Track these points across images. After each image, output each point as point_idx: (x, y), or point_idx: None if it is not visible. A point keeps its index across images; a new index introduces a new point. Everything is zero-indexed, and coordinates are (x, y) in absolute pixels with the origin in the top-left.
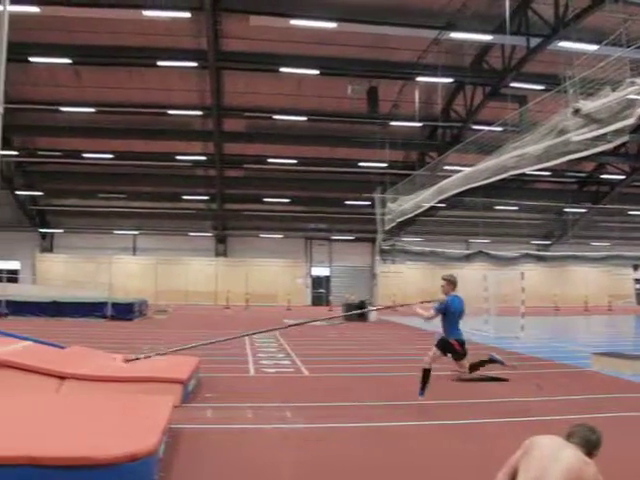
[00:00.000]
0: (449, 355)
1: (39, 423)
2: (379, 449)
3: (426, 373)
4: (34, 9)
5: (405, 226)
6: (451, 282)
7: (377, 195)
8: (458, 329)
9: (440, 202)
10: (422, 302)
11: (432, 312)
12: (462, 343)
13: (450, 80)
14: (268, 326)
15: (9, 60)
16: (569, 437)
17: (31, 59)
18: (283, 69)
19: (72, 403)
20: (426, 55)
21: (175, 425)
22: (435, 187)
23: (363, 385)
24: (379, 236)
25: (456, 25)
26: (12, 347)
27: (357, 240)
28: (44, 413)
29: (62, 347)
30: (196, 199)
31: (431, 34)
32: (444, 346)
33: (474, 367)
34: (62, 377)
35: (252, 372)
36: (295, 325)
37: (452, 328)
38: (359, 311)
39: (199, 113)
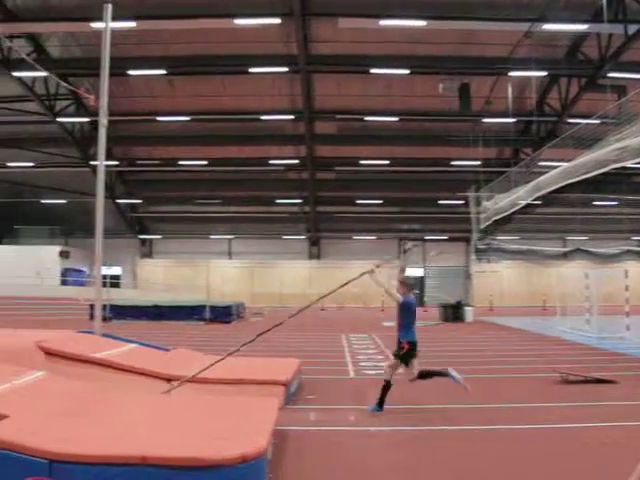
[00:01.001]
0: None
1: (149, 424)
2: (491, 452)
3: (387, 385)
4: (131, 24)
5: (501, 224)
6: (405, 284)
7: (471, 194)
8: (412, 330)
9: (536, 199)
10: (377, 266)
11: (397, 295)
12: (413, 345)
13: (544, 73)
14: (365, 327)
15: (109, 75)
16: None
17: (129, 72)
18: (373, 70)
19: (179, 404)
20: (518, 49)
21: (280, 427)
22: (531, 184)
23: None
24: (474, 235)
25: (548, 16)
26: (120, 350)
27: (451, 240)
28: (153, 414)
29: (166, 350)
30: (289, 202)
31: (522, 27)
32: (399, 351)
33: (424, 375)
34: (168, 379)
35: (352, 374)
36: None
37: (407, 328)
38: None
39: (291, 117)
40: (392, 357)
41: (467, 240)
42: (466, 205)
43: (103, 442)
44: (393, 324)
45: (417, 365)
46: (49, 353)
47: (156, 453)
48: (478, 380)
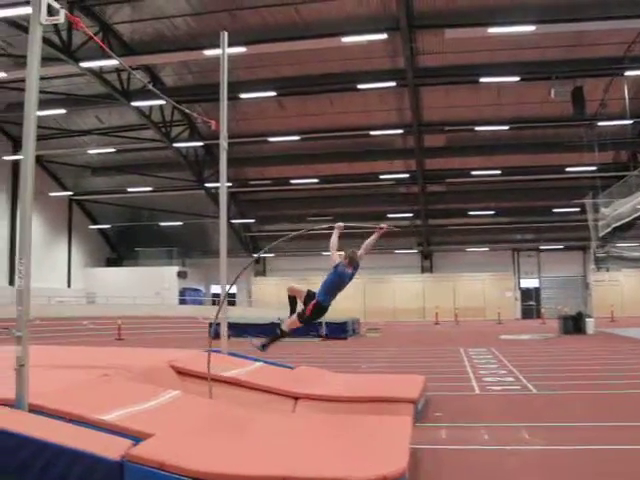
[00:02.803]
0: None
1: (286, 443)
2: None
3: (281, 334)
4: (241, 49)
5: (621, 231)
6: (350, 258)
7: (588, 200)
8: (329, 296)
9: None
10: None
11: (336, 256)
12: (320, 309)
13: None
14: (483, 341)
15: (216, 100)
16: None
17: (240, 96)
18: (482, 79)
19: (311, 423)
20: (634, 47)
21: (411, 445)
22: None
23: (599, 403)
24: (592, 243)
25: None
26: (247, 368)
27: (567, 249)
28: (288, 433)
29: (291, 367)
30: (400, 217)
31: (638, 24)
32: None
33: (284, 334)
34: (296, 397)
35: (477, 390)
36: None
37: (325, 291)
38: None
39: (400, 131)
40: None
41: (584, 249)
42: (582, 212)
43: (247, 461)
44: (512, 337)
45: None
46: (180, 372)
47: (301, 473)
48: (613, 396)
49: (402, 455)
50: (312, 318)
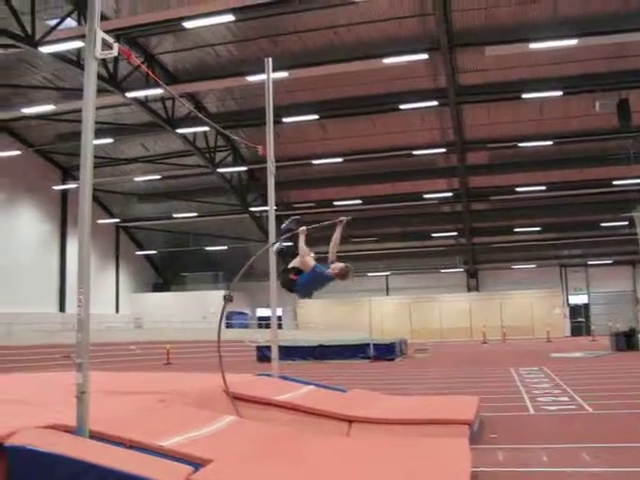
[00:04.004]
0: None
1: (341, 468)
2: None
3: None
4: (283, 74)
5: None
6: (342, 271)
7: (637, 213)
8: (304, 288)
9: None
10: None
11: (311, 259)
12: (290, 286)
13: None
14: (533, 359)
15: (265, 124)
16: None
17: (283, 120)
18: (525, 95)
19: (367, 447)
20: None
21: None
22: None
23: None
24: None
25: None
26: (299, 392)
27: (616, 263)
28: (342, 458)
29: (343, 390)
30: (445, 235)
31: None
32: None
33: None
34: (350, 420)
35: (531, 410)
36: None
37: (304, 283)
38: None
39: (442, 150)
40: None
41: (633, 263)
42: (631, 226)
43: None
44: (563, 355)
45: None
46: (233, 397)
47: None
48: None
49: (464, 479)
50: (286, 283)
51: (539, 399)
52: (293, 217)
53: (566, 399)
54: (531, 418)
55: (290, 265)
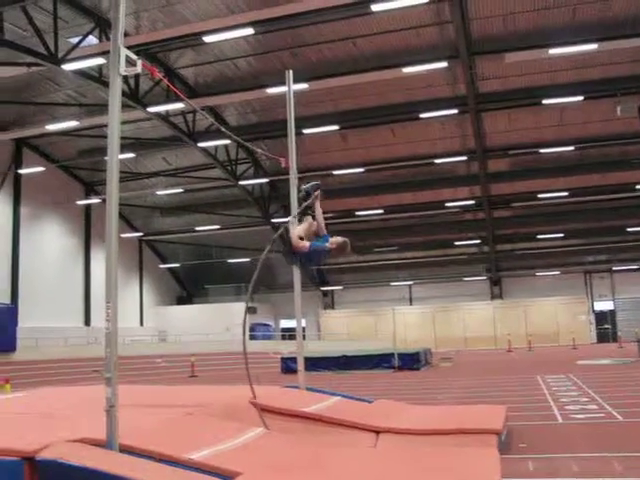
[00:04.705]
0: None
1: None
2: None
3: None
4: (303, 86)
5: None
6: (341, 244)
7: None
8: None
9: None
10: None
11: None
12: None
13: None
14: (559, 367)
15: (286, 136)
16: None
17: (303, 131)
18: (545, 101)
19: (395, 458)
20: None
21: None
22: None
23: None
24: None
25: None
26: (326, 403)
27: None
28: (371, 469)
29: (369, 401)
30: (467, 244)
31: None
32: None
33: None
34: (377, 431)
35: (560, 419)
36: None
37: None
38: None
39: (463, 158)
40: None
41: None
42: None
43: None
44: (590, 363)
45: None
46: (261, 409)
47: None
48: None
49: None
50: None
51: (567, 407)
52: (314, 182)
53: (595, 407)
54: (560, 427)
55: (297, 233)
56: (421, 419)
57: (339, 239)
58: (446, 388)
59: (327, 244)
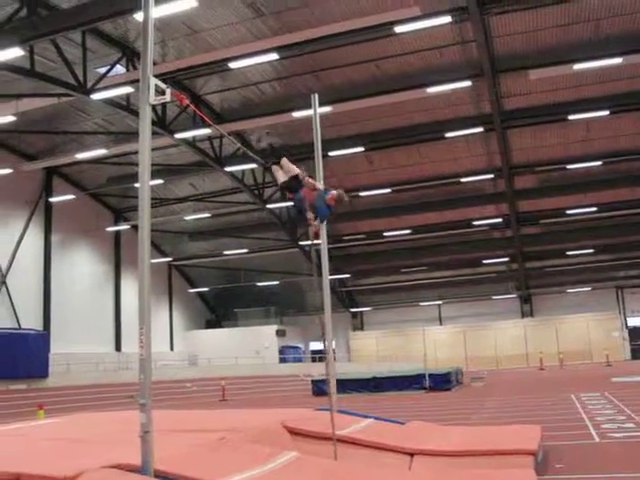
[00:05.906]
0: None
1: None
2: None
3: None
4: (328, 109)
5: None
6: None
7: None
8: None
9: None
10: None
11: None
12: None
13: None
14: (593, 385)
15: (311, 158)
16: None
17: (329, 154)
18: (571, 116)
19: None
20: None
21: None
22: None
23: None
24: None
25: None
26: (359, 425)
27: None
28: None
29: (401, 423)
30: (496, 262)
31: None
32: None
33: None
34: (411, 453)
35: (596, 438)
36: None
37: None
38: None
39: (490, 176)
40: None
41: None
42: None
43: None
44: (625, 380)
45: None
46: (293, 432)
47: None
48: None
49: None
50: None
51: (603, 426)
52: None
53: (632, 425)
54: (597, 446)
55: (280, 181)
56: (455, 440)
57: (334, 192)
58: (479, 408)
59: (327, 196)
